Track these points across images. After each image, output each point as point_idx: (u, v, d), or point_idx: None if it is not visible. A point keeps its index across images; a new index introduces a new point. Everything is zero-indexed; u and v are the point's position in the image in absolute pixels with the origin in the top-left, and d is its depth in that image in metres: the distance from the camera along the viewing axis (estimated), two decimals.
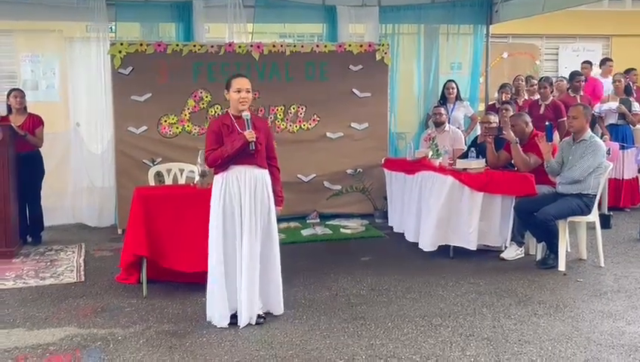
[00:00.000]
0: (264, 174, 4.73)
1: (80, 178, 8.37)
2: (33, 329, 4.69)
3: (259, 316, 4.76)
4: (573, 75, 9.12)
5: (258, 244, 4.67)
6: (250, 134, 4.62)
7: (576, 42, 12.76)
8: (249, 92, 4.73)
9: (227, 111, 4.85)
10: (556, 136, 7.78)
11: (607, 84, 9.67)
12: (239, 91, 4.68)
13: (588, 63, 10.12)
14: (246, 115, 4.71)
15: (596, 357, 4.13)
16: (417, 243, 6.70)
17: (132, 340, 4.47)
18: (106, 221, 8.28)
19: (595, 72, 10.39)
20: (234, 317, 4.71)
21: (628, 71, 9.73)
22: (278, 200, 4.83)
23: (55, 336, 4.55)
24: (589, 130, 6.23)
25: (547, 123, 6.41)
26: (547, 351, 4.22)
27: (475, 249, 6.31)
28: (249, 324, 4.69)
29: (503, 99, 8.77)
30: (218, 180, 4.69)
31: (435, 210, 6.37)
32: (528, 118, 6.80)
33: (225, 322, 4.68)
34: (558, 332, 4.53)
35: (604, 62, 10.43)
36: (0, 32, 8.32)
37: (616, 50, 12.68)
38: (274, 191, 4.78)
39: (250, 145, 4.62)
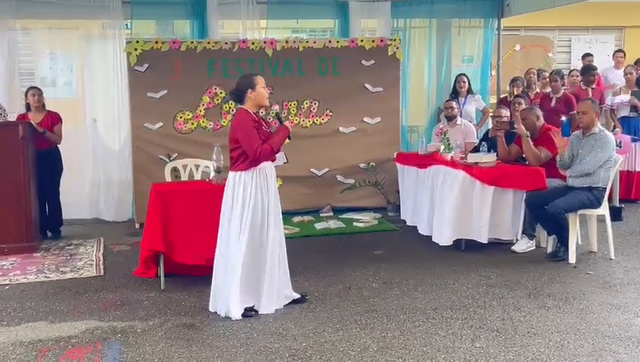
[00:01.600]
0: None
1: (98, 173, 8.52)
2: (55, 322, 4.83)
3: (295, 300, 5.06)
4: (587, 69, 9.10)
5: (282, 234, 5.00)
6: (289, 125, 4.95)
7: (589, 34, 12.71)
8: None
9: (242, 107, 4.87)
10: None
11: (619, 76, 9.66)
12: (264, 87, 4.88)
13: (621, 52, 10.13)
14: (277, 109, 4.87)
15: (604, 348, 4.20)
16: (430, 236, 6.79)
17: (151, 333, 4.59)
18: (123, 215, 8.43)
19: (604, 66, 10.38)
20: (250, 310, 4.84)
21: (638, 61, 9.71)
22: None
23: (76, 329, 4.68)
24: (599, 123, 6.27)
25: (564, 118, 6.39)
26: (555, 342, 4.29)
27: (486, 242, 6.38)
28: (264, 316, 4.82)
29: (515, 92, 8.80)
30: (248, 175, 4.76)
31: (450, 205, 6.44)
32: (539, 112, 6.83)
33: (239, 313, 4.79)
34: (567, 324, 4.60)
35: (615, 53, 10.41)
36: (19, 30, 8.46)
37: (629, 41, 12.61)
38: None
39: (289, 137, 4.92)
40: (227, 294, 4.85)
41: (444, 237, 6.52)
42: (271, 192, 4.85)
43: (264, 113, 5.01)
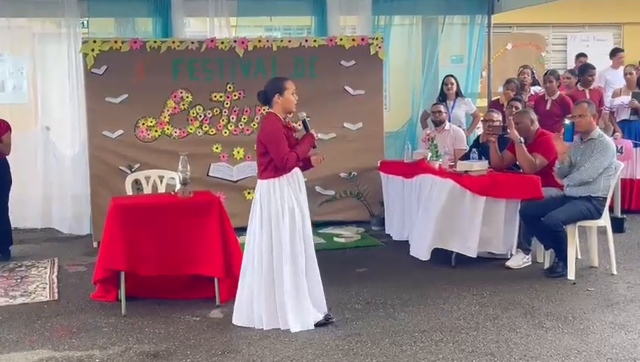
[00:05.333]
0: None
1: (50, 187, 8.45)
2: (3, 353, 4.74)
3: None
4: (586, 68, 9.17)
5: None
6: (315, 132, 5.20)
7: (586, 31, 12.86)
8: None
9: (271, 112, 5.11)
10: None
11: (618, 77, 9.77)
12: (293, 93, 5.11)
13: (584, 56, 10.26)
14: (304, 115, 5.20)
15: None
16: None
17: None
18: (79, 232, 8.35)
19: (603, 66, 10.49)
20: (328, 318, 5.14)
21: None
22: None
23: (28, 360, 4.60)
24: (598, 127, 6.32)
25: (567, 121, 6.38)
26: None
27: (475, 256, 6.41)
28: (239, 343, 4.79)
29: (504, 97, 8.80)
30: (283, 182, 5.00)
31: (432, 217, 6.46)
32: (534, 115, 6.88)
33: (299, 326, 5.00)
34: (566, 346, 4.62)
35: (614, 52, 10.52)
36: None
37: (628, 39, 12.76)
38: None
39: (314, 145, 5.20)
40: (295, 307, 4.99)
41: (422, 251, 6.56)
42: (303, 199, 5.13)
43: (291, 117, 5.26)
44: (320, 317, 5.09)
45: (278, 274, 5.00)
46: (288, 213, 4.99)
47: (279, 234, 4.99)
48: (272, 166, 5.00)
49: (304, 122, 5.22)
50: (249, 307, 5.11)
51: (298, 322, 4.99)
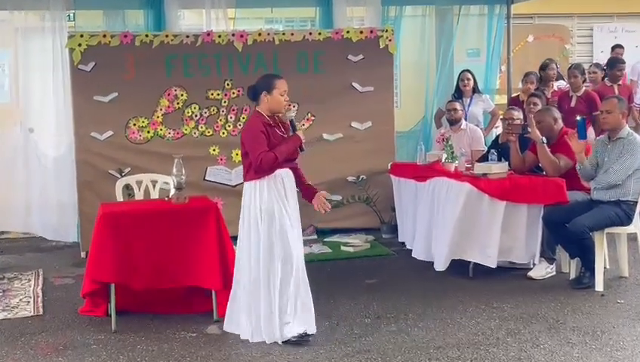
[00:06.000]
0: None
1: (32, 190, 8.46)
2: None
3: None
4: (615, 63, 9.16)
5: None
6: (302, 135, 5.22)
7: (614, 22, 12.84)
8: None
9: (257, 110, 5.20)
10: (591, 133, 7.85)
11: None
12: (282, 94, 5.16)
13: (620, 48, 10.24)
14: (292, 115, 5.28)
15: None
16: (431, 262, 6.80)
17: None
18: (65, 239, 8.38)
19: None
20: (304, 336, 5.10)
21: None
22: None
23: None
24: (627, 126, 6.31)
25: (579, 117, 6.42)
26: None
27: (494, 266, 6.40)
28: (239, 361, 4.79)
29: (522, 92, 8.78)
30: (263, 185, 5.07)
31: (449, 224, 6.46)
32: (557, 114, 6.88)
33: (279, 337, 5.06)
34: None
35: None
36: None
37: None
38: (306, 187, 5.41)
39: (302, 146, 5.23)
40: (262, 316, 5.06)
41: (439, 261, 6.55)
42: (291, 201, 5.17)
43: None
44: (295, 334, 5.04)
45: (255, 281, 5.07)
46: (266, 217, 5.04)
47: (258, 240, 5.05)
48: (253, 167, 5.08)
49: (291, 122, 5.27)
50: (235, 314, 5.21)
51: (269, 333, 5.04)
